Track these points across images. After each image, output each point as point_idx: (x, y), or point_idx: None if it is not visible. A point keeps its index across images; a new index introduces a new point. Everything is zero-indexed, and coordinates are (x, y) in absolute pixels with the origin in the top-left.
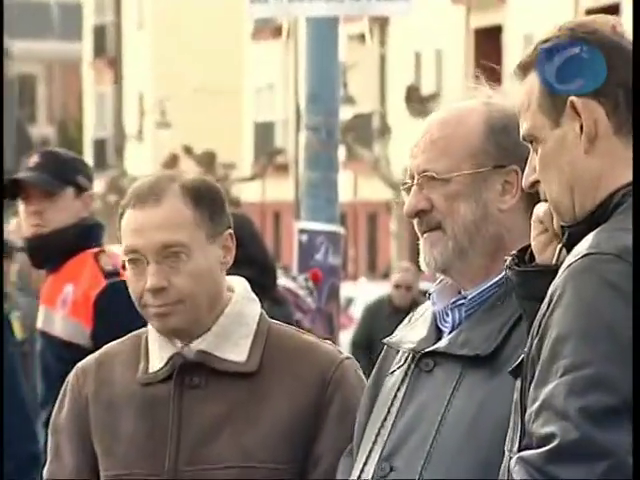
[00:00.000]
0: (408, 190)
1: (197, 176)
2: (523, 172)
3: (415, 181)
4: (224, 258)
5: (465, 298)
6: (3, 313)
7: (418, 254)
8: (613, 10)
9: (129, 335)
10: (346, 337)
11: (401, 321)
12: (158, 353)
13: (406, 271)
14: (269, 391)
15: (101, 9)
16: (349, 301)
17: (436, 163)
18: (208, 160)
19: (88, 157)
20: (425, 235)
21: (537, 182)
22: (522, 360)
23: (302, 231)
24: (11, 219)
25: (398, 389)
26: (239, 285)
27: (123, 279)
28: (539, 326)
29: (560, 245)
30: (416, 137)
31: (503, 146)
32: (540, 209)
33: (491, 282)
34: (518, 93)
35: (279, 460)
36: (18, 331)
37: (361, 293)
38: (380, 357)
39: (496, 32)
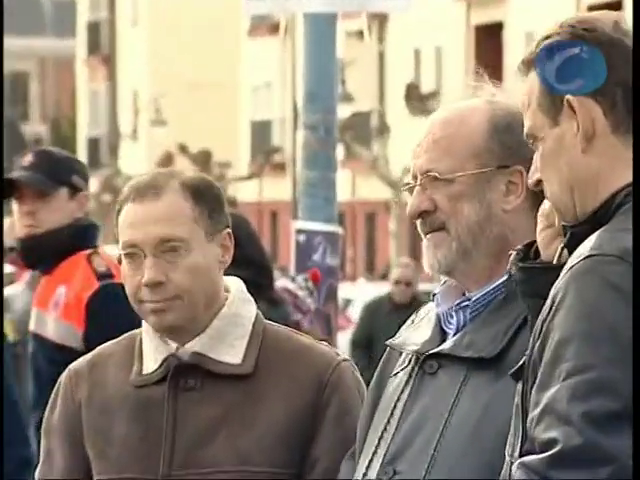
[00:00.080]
0: (411, 190)
1: (197, 174)
2: (528, 172)
3: (418, 181)
4: (222, 257)
5: (469, 300)
6: (3, 313)
7: (417, 254)
8: (616, 6)
9: (123, 336)
10: (344, 338)
11: (401, 318)
12: (152, 354)
13: (406, 267)
14: (265, 393)
15: (95, 5)
16: (347, 302)
17: (439, 163)
18: (204, 159)
19: (82, 156)
20: (428, 236)
21: (542, 180)
22: (523, 363)
23: (300, 231)
24: (4, 219)
25: (401, 391)
26: (234, 285)
27: (116, 281)
28: (541, 328)
29: (561, 245)
30: (415, 136)
31: (507, 145)
32: (547, 204)
33: (496, 283)
34: (520, 91)
35: (275, 463)
36: (11, 333)
37: (360, 294)
38: (382, 359)
39: (497, 29)
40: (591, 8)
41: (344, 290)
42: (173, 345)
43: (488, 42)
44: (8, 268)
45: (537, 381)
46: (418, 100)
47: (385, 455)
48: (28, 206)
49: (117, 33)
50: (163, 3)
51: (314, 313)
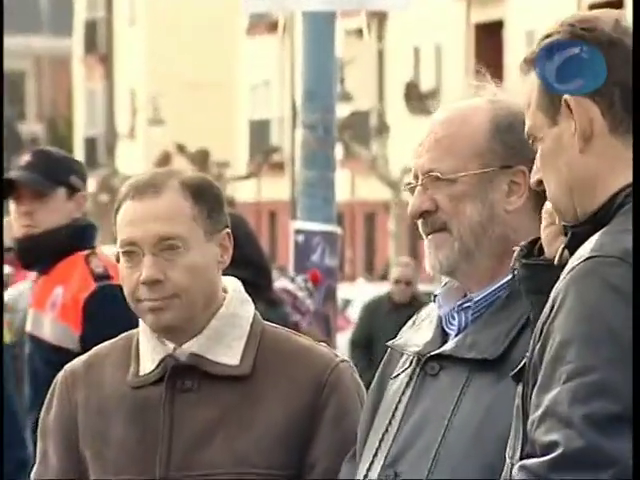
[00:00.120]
0: (412, 190)
1: (197, 173)
2: (530, 172)
3: (419, 181)
4: (221, 257)
5: (471, 300)
6: (3, 314)
7: (417, 255)
8: (617, 4)
9: (120, 336)
10: (343, 339)
11: (401, 317)
12: (149, 355)
13: (406, 266)
14: (263, 394)
15: (92, 4)
16: (346, 303)
17: (441, 163)
18: (202, 158)
19: (78, 155)
20: (430, 237)
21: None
22: (524, 365)
23: (298, 231)
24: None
25: (403, 393)
26: (232, 285)
27: (113, 282)
28: (541, 330)
29: (562, 246)
30: (415, 135)
31: (510, 145)
32: None
33: (498, 284)
34: (521, 90)
35: (273, 465)
36: (7, 334)
37: (359, 294)
38: (383, 360)
39: (497, 27)
40: (592, 6)
41: (343, 291)
42: (170, 346)
43: (488, 41)
44: (6, 269)
45: (537, 383)
46: (418, 99)
47: (386, 457)
48: (25, 206)
49: (114, 32)
50: (161, 2)
51: (313, 314)
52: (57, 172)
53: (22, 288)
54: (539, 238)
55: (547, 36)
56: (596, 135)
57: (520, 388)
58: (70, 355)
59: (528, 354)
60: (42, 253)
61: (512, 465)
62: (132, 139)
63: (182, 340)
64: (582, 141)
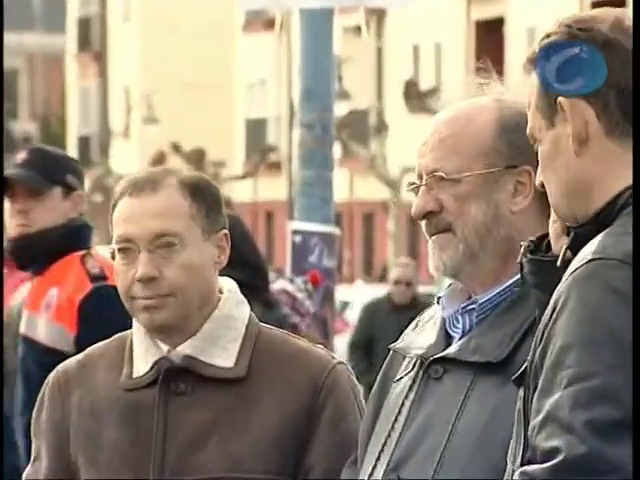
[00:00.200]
0: (415, 191)
1: (195, 172)
2: (536, 172)
3: (423, 181)
4: (218, 258)
5: (476, 303)
6: (2, 315)
7: (416, 255)
8: (619, 3)
9: (113, 337)
10: (341, 342)
11: (401, 319)
12: (143, 357)
13: (405, 267)
14: (258, 397)
15: (86, 0)
16: (344, 305)
17: (445, 162)
18: (197, 158)
19: (72, 155)
20: (434, 237)
21: None
22: (525, 368)
23: (296, 232)
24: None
25: (406, 397)
26: (227, 286)
27: (110, 283)
28: (542, 333)
29: (565, 246)
30: (414, 134)
31: (515, 145)
32: None
33: (503, 286)
34: (522, 89)
35: (269, 469)
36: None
37: (357, 296)
38: (385, 363)
39: (498, 25)
40: (595, 4)
41: (341, 292)
42: (164, 347)
43: (489, 38)
44: None
45: (538, 387)
46: (417, 98)
47: (389, 462)
48: (20, 205)
49: (108, 29)
50: None
51: (311, 316)
52: (53, 170)
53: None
54: (547, 234)
55: (546, 36)
56: (592, 138)
57: (521, 392)
58: (64, 357)
59: (529, 357)
60: (36, 253)
61: (513, 471)
62: (126, 138)
63: (176, 341)
64: (577, 144)
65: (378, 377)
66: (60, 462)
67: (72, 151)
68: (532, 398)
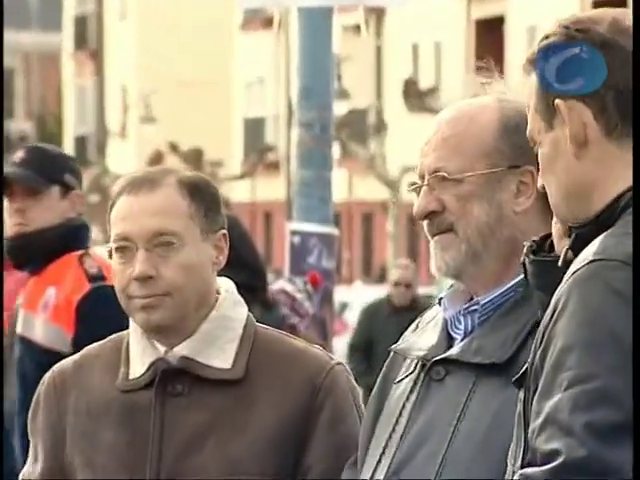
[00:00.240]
0: (417, 191)
1: (194, 172)
2: (538, 172)
3: (425, 181)
4: (216, 258)
5: (478, 304)
6: (2, 314)
7: (416, 256)
8: (620, 2)
9: (110, 337)
10: (340, 343)
11: (401, 321)
12: (139, 358)
13: (405, 268)
14: (256, 398)
15: None
16: (343, 306)
17: (448, 162)
18: (195, 157)
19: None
20: (436, 238)
21: None
22: (526, 370)
23: (294, 232)
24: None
25: (407, 399)
26: (224, 286)
27: (108, 284)
28: (543, 335)
29: (566, 247)
30: (413, 133)
31: (518, 145)
32: None
33: (505, 287)
34: (522, 87)
35: (267, 470)
36: None
37: (356, 297)
38: (385, 365)
39: (498, 23)
40: (595, 4)
41: (340, 293)
42: (161, 348)
43: (489, 37)
44: None
45: (538, 389)
46: (416, 97)
47: (390, 465)
48: (18, 204)
49: (105, 27)
50: None
51: (310, 317)
52: (51, 169)
53: None
54: (550, 234)
55: (545, 37)
56: (591, 141)
57: (522, 394)
58: (61, 358)
59: (529, 359)
60: (34, 253)
61: (513, 472)
62: (123, 137)
63: (173, 341)
64: (576, 146)
65: (378, 379)
66: (56, 463)
67: (69, 150)
68: (532, 400)
